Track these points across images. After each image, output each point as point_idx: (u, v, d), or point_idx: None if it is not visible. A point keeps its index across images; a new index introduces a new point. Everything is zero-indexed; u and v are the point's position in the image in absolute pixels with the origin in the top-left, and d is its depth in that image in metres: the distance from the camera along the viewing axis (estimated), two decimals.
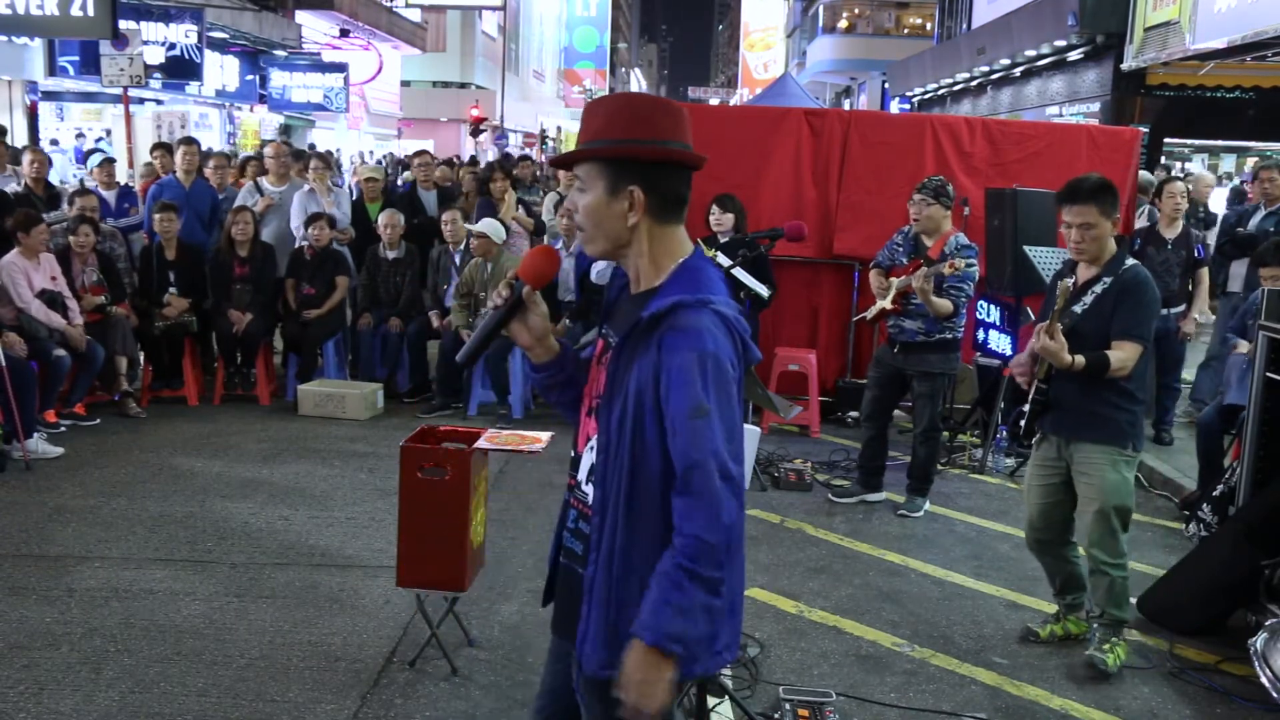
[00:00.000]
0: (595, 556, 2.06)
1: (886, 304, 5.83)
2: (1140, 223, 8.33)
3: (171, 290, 7.66)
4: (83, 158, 11.25)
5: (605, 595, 2.03)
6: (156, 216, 7.71)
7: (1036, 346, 3.96)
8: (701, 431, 1.92)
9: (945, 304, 5.59)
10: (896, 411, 6.64)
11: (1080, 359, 3.89)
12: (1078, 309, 4.01)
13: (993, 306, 7.12)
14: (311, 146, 19.43)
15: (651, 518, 2.00)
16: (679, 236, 2.11)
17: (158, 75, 16.10)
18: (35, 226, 6.78)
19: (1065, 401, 4.05)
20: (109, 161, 9.26)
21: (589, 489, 2.12)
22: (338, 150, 21.54)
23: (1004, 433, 6.92)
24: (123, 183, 9.48)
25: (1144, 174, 9.07)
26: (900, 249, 5.92)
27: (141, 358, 7.77)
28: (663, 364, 1.95)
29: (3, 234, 7.08)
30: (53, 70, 16.34)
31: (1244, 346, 5.87)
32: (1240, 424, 5.16)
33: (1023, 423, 4.20)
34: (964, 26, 25.00)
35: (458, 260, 7.91)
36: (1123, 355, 3.89)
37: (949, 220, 5.86)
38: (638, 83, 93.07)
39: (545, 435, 3.96)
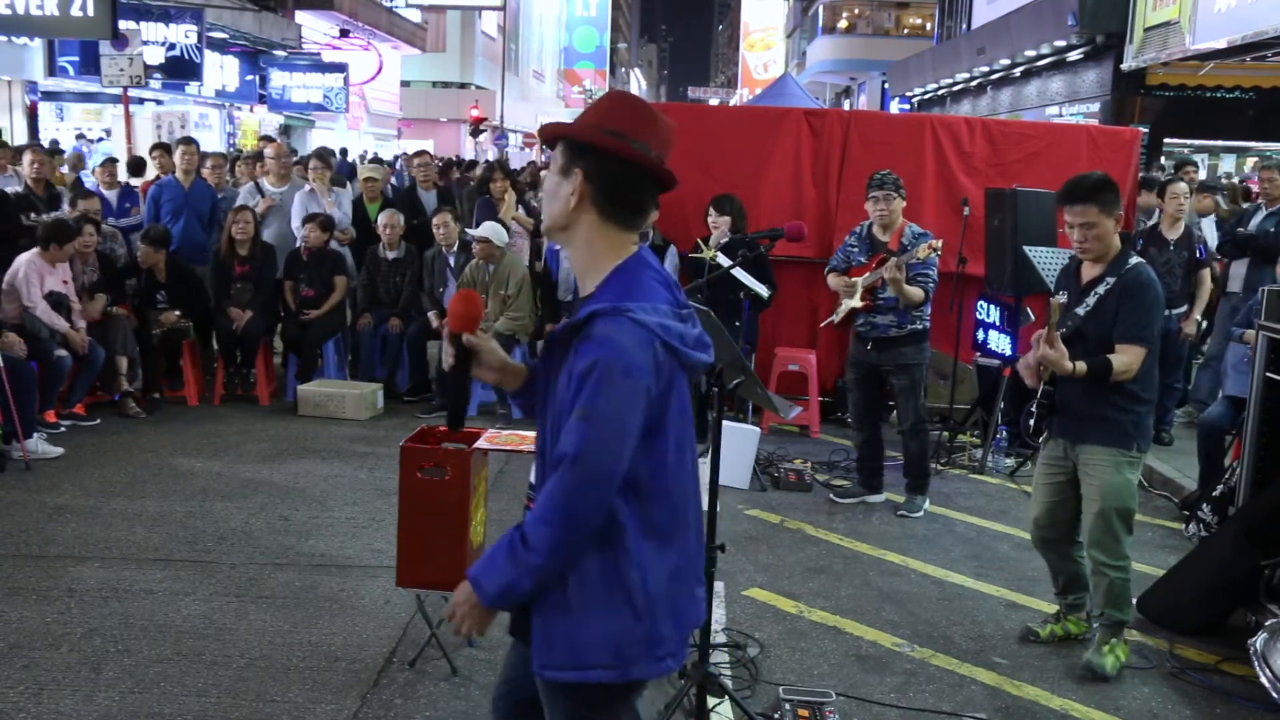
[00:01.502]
0: None
1: (855, 302, 5.82)
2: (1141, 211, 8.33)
3: (161, 305, 7.58)
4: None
5: (544, 600, 2.06)
6: (140, 248, 7.57)
7: (1037, 356, 3.97)
8: (580, 431, 1.95)
9: (917, 292, 5.61)
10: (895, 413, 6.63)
11: (1081, 365, 3.88)
12: (1080, 310, 4.01)
13: (993, 306, 7.12)
14: (343, 151, 19.46)
15: None
16: (623, 241, 2.10)
17: (157, 75, 16.12)
18: (70, 241, 6.79)
19: (1070, 404, 4.05)
20: (110, 161, 9.27)
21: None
22: (341, 152, 21.53)
23: (1004, 433, 6.92)
24: (124, 182, 9.49)
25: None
26: (855, 249, 5.93)
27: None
28: (573, 370, 1.99)
29: (2, 235, 7.09)
30: (53, 70, 16.36)
31: (1250, 335, 5.85)
32: (1240, 424, 5.16)
33: (1031, 423, 4.21)
34: (964, 27, 25.00)
35: (452, 262, 7.90)
36: (1125, 359, 3.88)
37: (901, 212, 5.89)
38: (637, 83, 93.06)
39: None
